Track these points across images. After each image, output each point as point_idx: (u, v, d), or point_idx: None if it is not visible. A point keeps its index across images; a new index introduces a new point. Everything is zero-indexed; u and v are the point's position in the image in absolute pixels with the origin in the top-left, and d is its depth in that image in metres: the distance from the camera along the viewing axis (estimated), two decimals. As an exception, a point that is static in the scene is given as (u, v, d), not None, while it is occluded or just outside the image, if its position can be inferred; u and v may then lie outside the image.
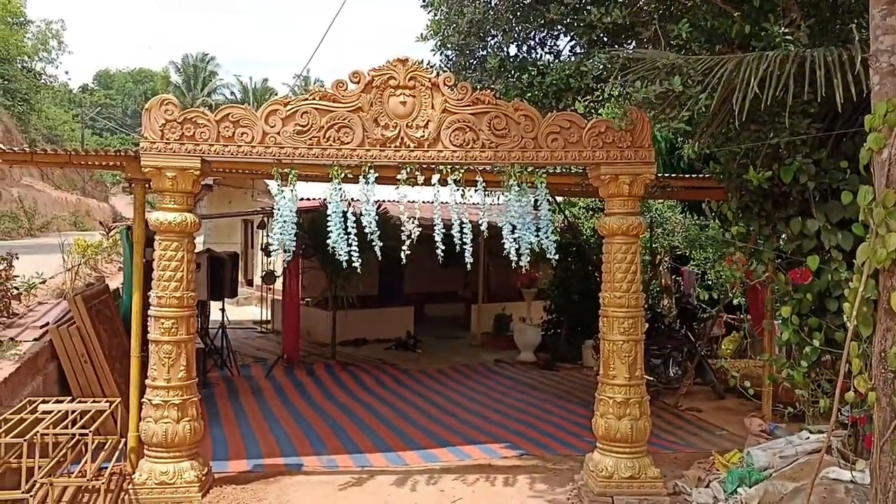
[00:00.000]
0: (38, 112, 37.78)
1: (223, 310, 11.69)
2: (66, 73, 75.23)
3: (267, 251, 12.43)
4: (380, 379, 11.41)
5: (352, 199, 5.67)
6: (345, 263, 5.47)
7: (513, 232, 5.69)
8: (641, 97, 5.11)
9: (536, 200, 5.74)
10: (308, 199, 13.92)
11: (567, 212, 14.00)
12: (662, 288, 13.80)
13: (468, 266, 5.85)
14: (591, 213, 13.97)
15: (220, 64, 58.29)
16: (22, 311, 8.57)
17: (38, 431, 4.64)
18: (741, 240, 5.97)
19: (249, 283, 19.53)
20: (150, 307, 5.51)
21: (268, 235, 13.51)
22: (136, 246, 6.22)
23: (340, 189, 5.56)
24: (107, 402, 5.72)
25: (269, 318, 15.91)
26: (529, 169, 5.73)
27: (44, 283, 10.90)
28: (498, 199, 5.97)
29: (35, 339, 7.08)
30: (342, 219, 5.51)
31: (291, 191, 5.52)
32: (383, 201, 12.51)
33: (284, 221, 5.43)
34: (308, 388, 10.57)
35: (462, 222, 5.68)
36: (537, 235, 5.71)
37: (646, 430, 5.81)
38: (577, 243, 13.56)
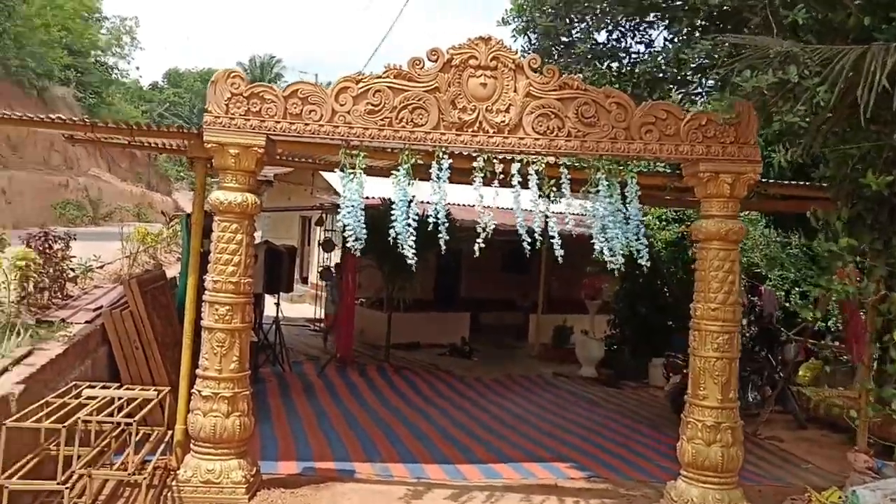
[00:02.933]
0: (108, 106, 38.52)
1: (278, 304, 11.40)
2: (138, 68, 76.98)
3: (326, 247, 12.12)
4: (434, 385, 10.96)
5: (412, 197, 5.22)
6: (407, 257, 5.02)
7: (603, 232, 5.17)
8: (751, 87, 4.57)
9: (625, 198, 5.23)
10: (367, 198, 13.66)
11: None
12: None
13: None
14: (663, 223, 13.30)
15: (287, 66, 58.82)
16: (77, 293, 8.37)
17: (79, 418, 4.31)
18: (849, 253, 5.35)
19: (304, 280, 19.33)
20: (205, 292, 5.17)
21: (326, 231, 13.21)
22: (193, 227, 5.91)
23: (409, 176, 5.13)
24: (155, 390, 5.40)
25: (323, 316, 15.61)
26: (619, 162, 5.23)
27: (101, 267, 10.76)
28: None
29: (87, 322, 6.83)
30: (408, 208, 5.07)
31: (360, 174, 5.12)
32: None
33: (353, 206, 5.02)
34: (361, 390, 10.18)
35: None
36: (627, 237, 5.19)
37: (738, 458, 5.23)
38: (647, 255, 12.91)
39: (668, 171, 7.25)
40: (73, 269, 8.20)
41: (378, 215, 12.27)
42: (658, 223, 13.42)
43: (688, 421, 5.28)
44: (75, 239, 8.13)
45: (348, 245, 4.99)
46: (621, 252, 5.18)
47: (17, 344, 5.25)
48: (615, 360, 12.89)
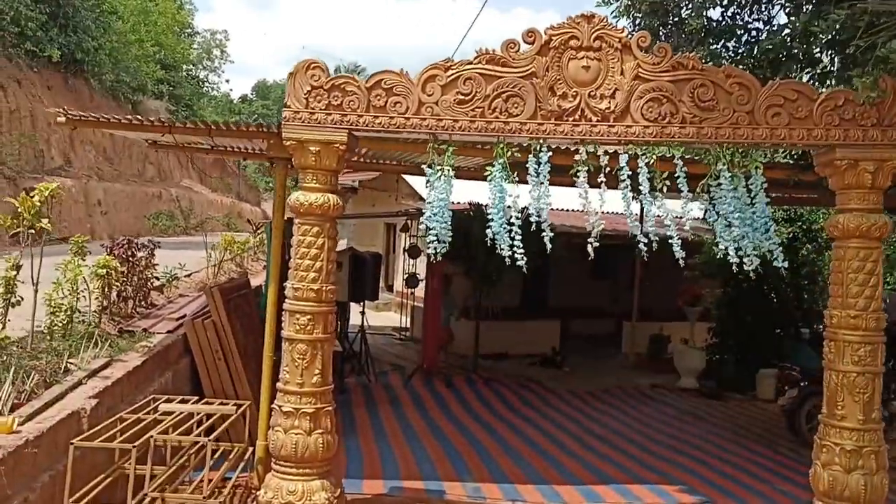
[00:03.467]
0: (199, 118, 39.60)
1: (363, 313, 11.12)
2: (227, 81, 79.36)
3: (412, 253, 11.77)
4: (525, 398, 10.44)
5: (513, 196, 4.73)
6: (507, 259, 4.55)
7: (728, 231, 4.57)
8: (903, 58, 3.92)
9: (749, 191, 4.61)
10: (453, 203, 13.26)
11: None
12: None
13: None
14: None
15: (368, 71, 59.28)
16: (161, 302, 8.25)
17: (151, 435, 4.01)
18: None
19: (390, 288, 19.09)
20: (286, 300, 4.83)
21: (412, 237, 12.88)
22: (274, 232, 5.60)
23: (506, 171, 4.66)
24: (234, 405, 5.10)
25: (409, 324, 15.30)
26: (742, 151, 4.62)
27: (189, 276, 10.71)
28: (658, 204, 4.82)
29: (168, 332, 6.65)
30: (505, 207, 4.61)
31: (448, 172, 4.68)
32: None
33: (440, 208, 4.59)
34: (448, 402, 9.76)
35: (658, 215, 4.63)
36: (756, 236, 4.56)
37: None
38: (782, 256, 12.03)
39: (790, 161, 6.53)
40: (157, 278, 8.08)
41: (465, 220, 11.89)
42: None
43: (823, 444, 4.60)
44: (159, 247, 8.02)
45: (431, 250, 4.55)
46: (755, 253, 4.55)
47: (94, 355, 5.04)
48: (717, 370, 12.07)
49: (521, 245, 4.51)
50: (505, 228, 4.54)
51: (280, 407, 4.77)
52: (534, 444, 7.98)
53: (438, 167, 4.72)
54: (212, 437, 4.32)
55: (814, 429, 8.37)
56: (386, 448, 7.41)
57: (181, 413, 4.62)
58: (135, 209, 26.74)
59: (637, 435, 8.69)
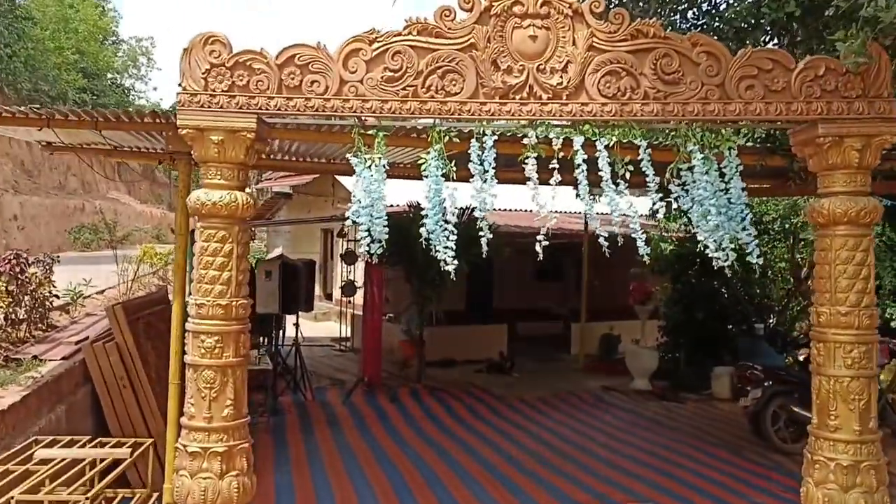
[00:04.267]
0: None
1: (297, 325, 10.33)
2: (155, 89, 77.02)
3: (348, 259, 11.02)
4: (474, 408, 9.80)
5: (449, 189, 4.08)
6: (442, 263, 3.90)
7: (704, 220, 3.99)
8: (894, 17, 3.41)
9: (722, 175, 4.03)
10: (390, 206, 12.55)
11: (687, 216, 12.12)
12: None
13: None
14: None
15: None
16: (64, 323, 7.35)
17: (12, 496, 3.21)
18: None
19: (329, 297, 18.27)
20: (188, 320, 4.07)
21: (348, 242, 12.12)
22: (178, 238, 4.82)
23: (441, 160, 4.00)
24: (132, 445, 4.30)
25: (349, 334, 14.52)
26: (713, 130, 4.06)
27: (101, 293, 9.76)
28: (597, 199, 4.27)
29: (64, 358, 5.78)
30: (441, 202, 3.95)
31: (378, 161, 4.00)
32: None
33: (369, 202, 3.91)
34: (392, 419, 9.05)
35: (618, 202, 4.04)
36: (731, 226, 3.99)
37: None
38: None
39: (756, 146, 6.02)
40: (57, 296, 7.17)
41: (404, 222, 11.21)
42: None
43: (815, 460, 4.06)
44: (58, 262, 7.12)
45: (364, 251, 3.87)
46: (731, 246, 3.99)
47: (-40, 393, 4.20)
48: (670, 370, 11.65)
49: (454, 247, 3.87)
50: (440, 227, 3.87)
51: (185, 447, 4.00)
52: (485, 462, 7.34)
53: (367, 156, 4.03)
54: (98, 487, 3.54)
55: (781, 430, 8.02)
56: (322, 481, 6.66)
57: (61, 460, 3.82)
58: (56, 223, 25.29)
59: (596, 446, 8.13)
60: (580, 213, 15.18)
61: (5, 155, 24.95)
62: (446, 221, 3.92)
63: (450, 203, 3.97)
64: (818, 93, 3.91)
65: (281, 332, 10.80)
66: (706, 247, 3.96)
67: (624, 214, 4.14)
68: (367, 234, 3.91)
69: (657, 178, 4.02)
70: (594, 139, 4.04)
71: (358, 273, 12.29)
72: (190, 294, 4.10)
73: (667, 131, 4.21)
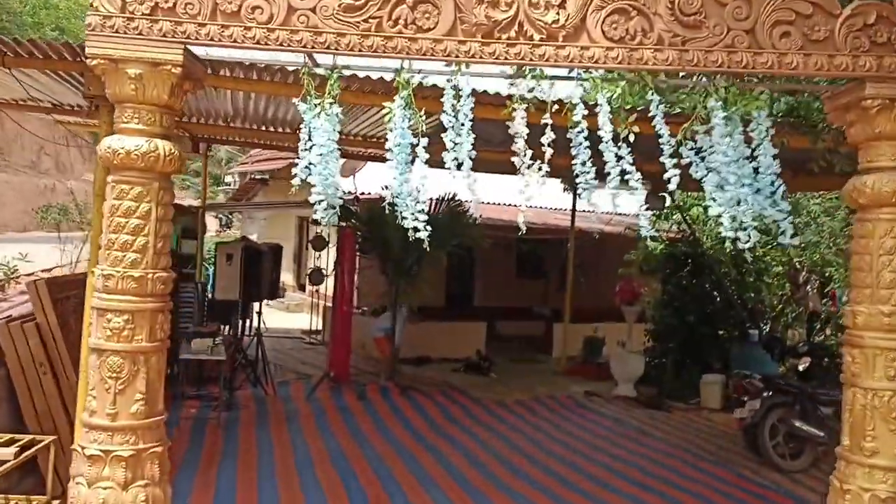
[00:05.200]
0: (104, 107, 36.94)
1: (259, 314, 9.59)
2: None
3: (316, 244, 10.27)
4: (448, 411, 9.10)
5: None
6: (411, 231, 3.19)
7: (721, 191, 3.28)
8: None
9: (749, 141, 3.35)
10: (363, 194, 11.84)
11: (681, 214, 11.43)
12: (808, 314, 11.03)
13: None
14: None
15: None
16: (-10, 301, 6.59)
17: None
18: None
19: (302, 287, 17.51)
20: (94, 294, 3.34)
21: (318, 228, 11.37)
22: (95, 201, 4.09)
23: (409, 110, 3.29)
24: (25, 443, 3.57)
25: (320, 326, 13.77)
26: (738, 86, 3.38)
27: (48, 271, 8.98)
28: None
29: (-27, 339, 5.01)
30: (407, 160, 3.24)
31: (330, 108, 3.28)
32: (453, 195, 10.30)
33: (321, 156, 3.19)
34: (356, 418, 8.33)
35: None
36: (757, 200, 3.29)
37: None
38: (693, 254, 11.02)
39: (779, 119, 5.32)
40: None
41: (378, 210, 10.51)
42: (706, 214, 11.47)
43: (845, 490, 3.38)
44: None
45: (317, 217, 3.15)
46: (754, 225, 3.29)
47: None
48: (657, 377, 11.01)
49: (425, 214, 3.16)
50: (408, 192, 3.17)
51: (83, 449, 3.27)
52: (453, 469, 6.66)
53: (318, 100, 3.31)
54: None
55: (779, 445, 7.38)
56: (268, 482, 5.96)
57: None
58: (24, 202, 24.37)
59: (577, 457, 7.46)
60: (566, 209, 14.59)
61: (-27, 131, 24.06)
62: (415, 192, 3.21)
63: (420, 167, 3.24)
64: (867, 45, 3.23)
65: (247, 321, 10.07)
66: (720, 223, 3.25)
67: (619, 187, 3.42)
68: (319, 198, 3.19)
69: (672, 140, 3.31)
70: (595, 93, 3.34)
71: (328, 259, 11.54)
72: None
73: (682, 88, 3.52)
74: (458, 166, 3.21)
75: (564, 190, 13.02)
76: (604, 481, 6.63)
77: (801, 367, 7.56)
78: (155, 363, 3.36)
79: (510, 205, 15.34)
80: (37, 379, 5.09)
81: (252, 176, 18.41)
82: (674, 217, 11.95)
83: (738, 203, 3.23)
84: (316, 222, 11.90)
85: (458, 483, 6.31)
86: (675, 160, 3.30)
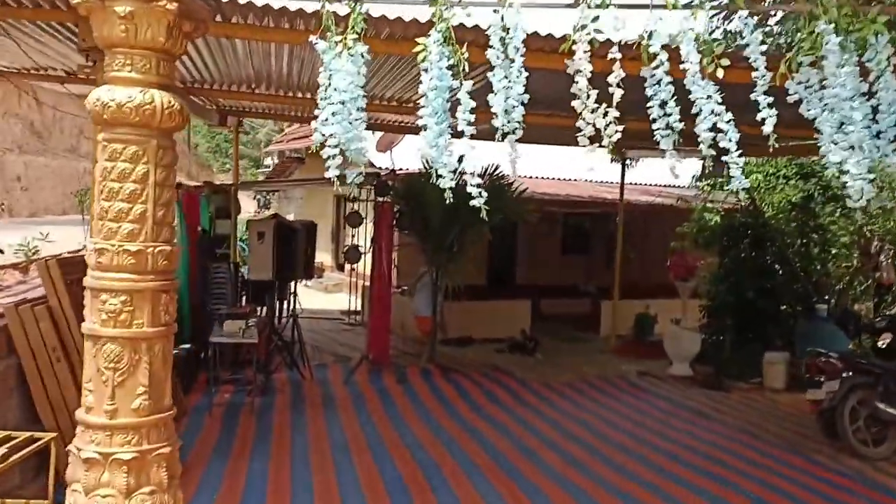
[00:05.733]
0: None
1: (295, 294, 9.19)
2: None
3: (352, 220, 9.80)
4: (492, 393, 8.63)
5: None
6: (446, 194, 2.62)
7: (840, 132, 2.67)
8: None
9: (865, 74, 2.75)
10: (401, 169, 11.35)
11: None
12: (877, 286, 10.24)
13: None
14: (779, 181, 10.62)
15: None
16: (9, 283, 6.26)
17: None
18: None
19: (341, 267, 17.13)
20: (87, 272, 2.91)
21: (354, 203, 10.89)
22: (93, 161, 3.65)
23: (449, 45, 2.74)
24: (15, 442, 3.16)
25: (359, 307, 13.37)
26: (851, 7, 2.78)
27: (76, 253, 8.65)
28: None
29: (-17, 323, 4.66)
30: (445, 107, 2.67)
31: (355, 42, 2.76)
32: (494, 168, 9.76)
33: (343, 104, 2.65)
34: (396, 403, 7.90)
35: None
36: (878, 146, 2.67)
37: None
38: (753, 224, 10.31)
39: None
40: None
41: (418, 183, 10.02)
42: (767, 181, 10.75)
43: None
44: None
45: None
46: (871, 178, 2.66)
47: None
48: (714, 355, 10.36)
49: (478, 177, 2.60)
50: (445, 141, 2.63)
51: (79, 451, 2.85)
52: (503, 459, 6.17)
53: (337, 40, 2.79)
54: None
55: (860, 430, 6.76)
56: (302, 470, 5.55)
57: None
58: (62, 186, 24.41)
59: (632, 441, 6.94)
60: (612, 182, 13.92)
61: (14, 115, 24.12)
62: (448, 138, 2.66)
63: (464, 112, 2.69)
64: None
65: (284, 302, 9.67)
66: (841, 174, 2.63)
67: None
68: (337, 152, 2.65)
69: (767, 77, 2.72)
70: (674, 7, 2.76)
71: (368, 239, 11.09)
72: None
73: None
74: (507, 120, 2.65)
75: (612, 160, 12.38)
76: (662, 468, 6.10)
77: (881, 344, 6.89)
78: (159, 351, 2.92)
79: (553, 178, 14.76)
80: (49, 367, 4.73)
81: (288, 154, 18.04)
82: (729, 186, 11.25)
83: (856, 148, 2.61)
84: (355, 199, 11.52)
85: (506, 471, 5.84)
86: (769, 99, 2.70)
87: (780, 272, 10.29)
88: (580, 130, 2.64)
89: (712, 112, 2.60)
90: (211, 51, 5.22)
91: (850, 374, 6.44)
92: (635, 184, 13.91)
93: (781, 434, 7.29)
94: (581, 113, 2.71)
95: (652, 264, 13.06)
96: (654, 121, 2.67)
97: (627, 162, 12.03)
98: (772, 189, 10.46)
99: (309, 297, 15.32)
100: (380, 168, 12.12)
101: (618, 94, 2.68)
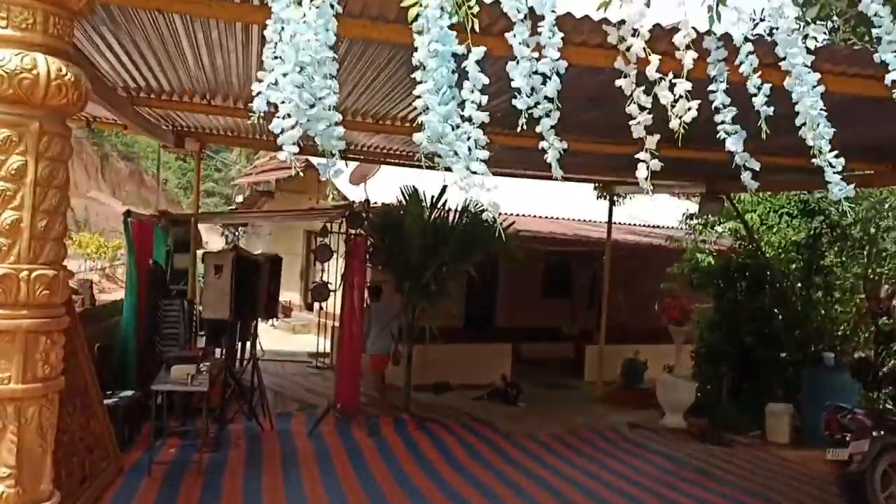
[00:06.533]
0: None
1: (255, 336, 8.31)
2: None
3: (320, 255, 8.93)
4: (473, 448, 7.78)
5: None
6: (468, 166, 1.81)
7: None
8: None
9: None
10: (375, 203, 10.59)
11: (741, 218, 10.01)
12: (882, 334, 9.56)
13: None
14: (780, 218, 9.95)
15: None
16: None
17: None
18: None
19: (310, 307, 16.23)
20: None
21: (325, 235, 10.04)
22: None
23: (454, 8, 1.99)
24: None
25: (328, 349, 12.47)
26: None
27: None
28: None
29: None
30: (451, 79, 1.90)
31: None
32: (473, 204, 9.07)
33: (300, 65, 1.86)
34: (367, 458, 7.03)
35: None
36: None
37: None
38: (752, 266, 9.66)
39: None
40: None
41: (393, 214, 9.26)
42: (766, 219, 10.09)
43: None
44: None
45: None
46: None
47: None
48: (709, 405, 9.62)
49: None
50: (453, 121, 1.85)
51: None
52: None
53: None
54: None
55: (892, 497, 6.04)
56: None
57: None
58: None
59: (621, 500, 6.13)
60: (597, 221, 13.29)
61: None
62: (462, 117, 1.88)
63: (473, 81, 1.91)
64: None
65: (246, 343, 8.78)
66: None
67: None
68: (289, 123, 1.83)
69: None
70: None
71: (334, 273, 10.25)
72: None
73: None
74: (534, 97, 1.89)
75: (598, 197, 11.74)
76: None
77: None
78: (34, 417, 2.11)
79: (535, 216, 14.07)
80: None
81: (257, 188, 17.23)
82: (723, 225, 10.63)
83: None
84: (324, 233, 10.69)
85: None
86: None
87: (780, 317, 9.62)
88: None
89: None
90: (152, 48, 4.47)
91: (882, 433, 5.71)
92: (621, 223, 13.30)
93: (799, 499, 6.51)
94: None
95: (640, 307, 12.35)
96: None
97: (616, 198, 11.38)
98: (770, 228, 9.85)
99: (275, 338, 14.41)
100: (353, 202, 11.36)
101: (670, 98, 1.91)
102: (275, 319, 13.08)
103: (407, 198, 8.88)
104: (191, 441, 6.95)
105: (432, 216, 8.88)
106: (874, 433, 5.71)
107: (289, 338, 14.86)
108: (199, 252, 9.88)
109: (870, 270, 9.10)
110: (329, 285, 9.49)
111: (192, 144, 9.14)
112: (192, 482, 5.92)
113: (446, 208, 9.03)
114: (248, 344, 8.72)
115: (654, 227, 14.29)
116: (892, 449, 5.68)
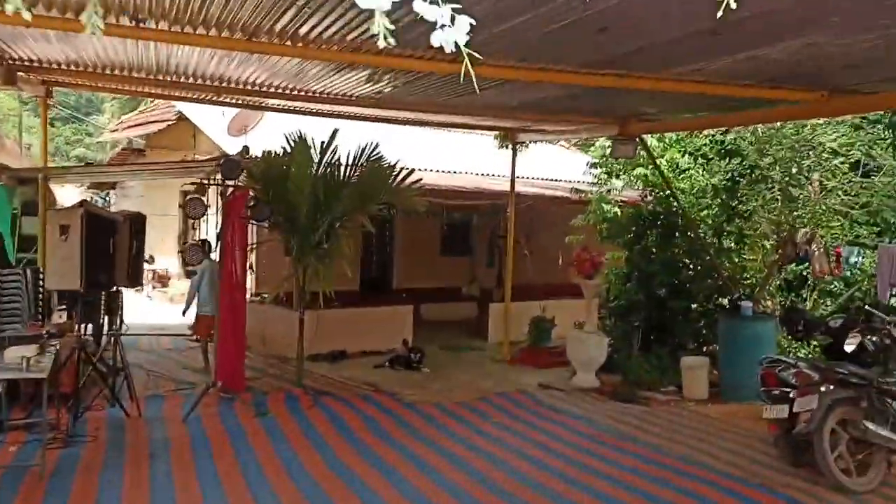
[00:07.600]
0: None
1: (118, 307, 7.15)
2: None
3: (191, 210, 7.73)
4: (374, 421, 6.97)
5: None
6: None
7: None
8: None
9: None
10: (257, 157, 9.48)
11: (654, 163, 9.45)
12: (815, 278, 9.21)
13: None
14: (691, 159, 9.44)
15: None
16: None
17: None
18: None
19: (188, 273, 14.90)
20: None
21: (201, 186, 8.83)
22: None
23: None
24: None
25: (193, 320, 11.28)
26: None
27: None
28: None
29: None
30: None
31: None
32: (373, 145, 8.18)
33: None
34: (253, 444, 6.09)
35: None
36: None
37: None
38: (665, 214, 9.17)
39: None
40: None
41: (279, 162, 8.19)
42: (676, 165, 9.61)
43: None
44: None
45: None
46: None
47: None
48: (621, 361, 9.16)
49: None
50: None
51: None
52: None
53: None
54: None
55: (842, 457, 5.05)
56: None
57: None
58: None
59: (544, 475, 5.51)
60: (500, 175, 12.54)
61: None
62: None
63: None
64: None
65: (116, 316, 7.55)
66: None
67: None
68: None
69: None
70: None
71: (209, 229, 9.12)
72: None
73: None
74: None
75: (500, 146, 11.01)
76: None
77: (848, 348, 5.75)
78: None
79: (435, 170, 13.24)
80: None
81: (123, 145, 15.58)
82: (634, 172, 10.10)
83: None
84: (201, 192, 9.48)
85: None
86: None
87: (692, 267, 9.22)
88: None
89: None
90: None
91: (830, 387, 5.22)
92: (523, 177, 12.66)
93: (732, 462, 6.02)
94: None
95: (546, 262, 11.81)
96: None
97: (518, 147, 10.67)
98: (685, 171, 9.36)
99: (149, 309, 13.09)
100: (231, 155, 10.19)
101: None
102: (148, 288, 11.78)
103: (293, 144, 7.84)
104: (37, 436, 5.81)
105: (322, 164, 7.91)
106: (822, 388, 5.22)
107: (166, 309, 13.53)
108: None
109: (783, 215, 8.75)
110: (204, 244, 8.35)
111: (35, 87, 7.75)
112: (32, 489, 4.83)
113: (337, 157, 8.07)
114: (114, 317, 7.54)
115: (555, 180, 13.75)
116: (841, 405, 5.21)
